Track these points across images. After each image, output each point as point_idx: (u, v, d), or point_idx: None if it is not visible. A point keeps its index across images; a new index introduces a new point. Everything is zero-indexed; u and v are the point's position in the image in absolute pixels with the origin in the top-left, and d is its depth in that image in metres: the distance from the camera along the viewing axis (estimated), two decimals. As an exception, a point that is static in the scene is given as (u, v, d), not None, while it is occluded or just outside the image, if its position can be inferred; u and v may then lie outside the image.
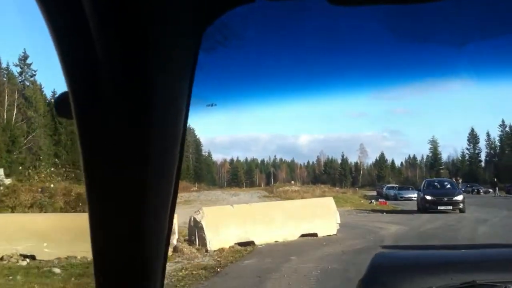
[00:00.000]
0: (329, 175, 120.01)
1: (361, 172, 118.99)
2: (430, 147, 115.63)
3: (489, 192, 52.83)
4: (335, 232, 14.87)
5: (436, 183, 26.35)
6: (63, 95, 0.82)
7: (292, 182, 77.39)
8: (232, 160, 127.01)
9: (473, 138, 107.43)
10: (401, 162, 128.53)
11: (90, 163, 0.85)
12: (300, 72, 1.31)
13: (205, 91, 1.03)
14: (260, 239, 13.11)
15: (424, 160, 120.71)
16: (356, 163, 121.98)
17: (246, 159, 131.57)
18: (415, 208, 26.60)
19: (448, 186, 25.46)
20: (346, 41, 1.14)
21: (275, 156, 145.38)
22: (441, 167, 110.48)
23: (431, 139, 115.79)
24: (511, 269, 1.71)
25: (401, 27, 1.02)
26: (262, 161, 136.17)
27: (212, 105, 1.13)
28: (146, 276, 0.95)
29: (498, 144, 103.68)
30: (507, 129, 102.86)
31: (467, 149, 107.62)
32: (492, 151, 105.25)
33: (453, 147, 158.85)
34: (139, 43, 0.76)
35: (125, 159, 0.84)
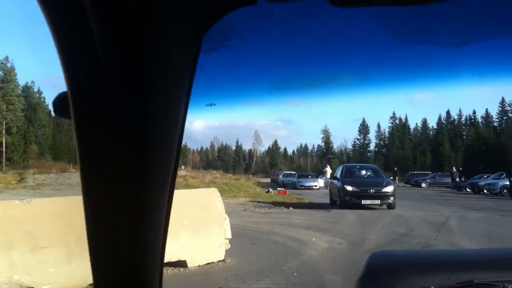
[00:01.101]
0: (223, 161, 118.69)
1: (255, 159, 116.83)
2: (323, 137, 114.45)
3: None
4: (221, 257, 7.76)
5: (357, 170, 19.99)
6: (62, 95, 0.81)
7: (183, 167, 72.50)
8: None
9: (364, 129, 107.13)
10: (293, 151, 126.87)
11: (88, 164, 0.83)
12: (300, 72, 1.24)
13: (205, 91, 1.02)
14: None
15: (315, 149, 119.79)
16: (250, 150, 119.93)
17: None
18: (326, 201, 20.49)
19: (373, 174, 19.39)
20: (347, 43, 1.11)
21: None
22: (331, 156, 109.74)
23: (324, 129, 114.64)
24: (509, 268, 1.64)
25: (401, 28, 1.00)
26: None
27: (211, 105, 1.11)
28: (144, 277, 0.93)
29: (388, 135, 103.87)
30: (397, 121, 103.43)
31: (357, 139, 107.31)
32: (381, 142, 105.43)
33: (343, 137, 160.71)
34: (139, 44, 0.75)
35: (123, 159, 0.82)
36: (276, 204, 19.95)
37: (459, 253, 2.41)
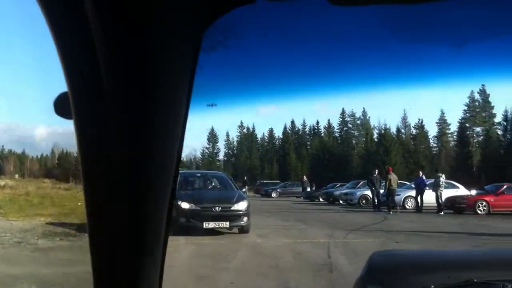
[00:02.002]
0: (64, 169, 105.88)
1: None
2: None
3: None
4: None
5: (198, 179, 14.14)
6: (63, 95, 0.80)
7: (16, 175, 62.15)
8: None
9: (212, 138, 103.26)
10: (183, 158, 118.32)
11: (89, 163, 0.83)
12: (300, 72, 1.24)
13: (205, 91, 1.00)
14: None
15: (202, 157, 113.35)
16: None
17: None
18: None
19: (220, 185, 13.75)
20: (346, 41, 1.10)
21: (2, 146, 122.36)
22: (180, 165, 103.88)
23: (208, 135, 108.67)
24: (508, 267, 1.67)
25: (401, 27, 0.99)
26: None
27: (212, 105, 1.10)
28: (144, 276, 0.91)
29: (236, 144, 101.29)
30: (244, 130, 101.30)
31: (206, 148, 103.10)
32: (230, 151, 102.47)
33: (192, 146, 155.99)
34: (140, 44, 0.75)
35: (124, 159, 0.82)
36: (82, 227, 13.50)
37: (458, 253, 2.38)
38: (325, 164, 71.76)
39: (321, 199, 31.44)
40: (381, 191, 22.87)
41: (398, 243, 10.52)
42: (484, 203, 20.62)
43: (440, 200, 21.06)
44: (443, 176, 21.59)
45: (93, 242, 0.87)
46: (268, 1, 0.76)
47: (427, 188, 22.11)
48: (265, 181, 54.41)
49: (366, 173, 23.59)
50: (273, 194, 41.11)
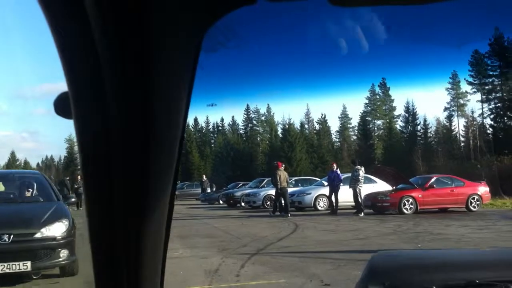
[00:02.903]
0: None
1: None
2: (67, 146, 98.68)
3: None
4: None
5: None
6: (63, 95, 0.80)
7: None
8: None
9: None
10: (38, 163, 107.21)
11: (89, 163, 0.82)
12: (300, 72, 1.22)
13: (206, 91, 0.96)
14: None
15: (62, 160, 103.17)
16: None
17: None
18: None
19: (22, 192, 7.44)
20: (347, 41, 1.08)
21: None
22: (77, 167, 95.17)
23: (68, 138, 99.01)
24: (511, 268, 1.63)
25: (401, 28, 1.02)
26: None
27: (212, 105, 0.82)
28: (145, 276, 0.91)
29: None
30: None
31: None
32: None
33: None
34: (140, 44, 0.73)
35: (124, 159, 0.81)
36: None
37: (460, 254, 2.35)
38: (230, 162, 67.33)
39: (221, 202, 26.69)
40: (289, 189, 18.51)
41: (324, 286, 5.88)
42: (411, 200, 16.88)
43: (359, 199, 16.99)
44: (362, 169, 17.49)
45: (93, 242, 0.86)
46: (269, 2, 0.74)
47: (342, 184, 18.10)
48: None
49: (271, 170, 18.84)
50: (169, 197, 35.84)
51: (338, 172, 18.30)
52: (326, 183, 20.45)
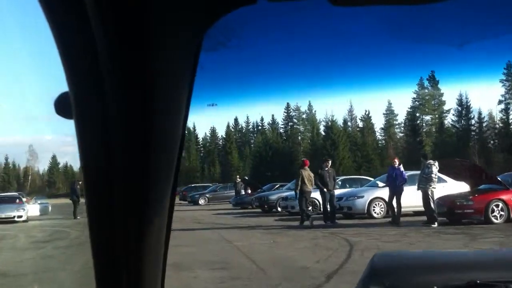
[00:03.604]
0: None
1: (30, 178, 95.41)
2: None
3: None
4: None
5: None
6: (63, 95, 0.79)
7: None
8: None
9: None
10: (79, 167, 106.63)
11: (90, 163, 0.82)
12: (300, 72, 1.10)
13: (206, 91, 0.99)
14: None
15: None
16: (25, 168, 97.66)
17: None
18: None
19: None
20: (347, 42, 1.08)
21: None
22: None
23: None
24: (511, 268, 1.60)
25: (401, 28, 0.98)
26: None
27: (213, 105, 1.10)
28: (146, 276, 0.90)
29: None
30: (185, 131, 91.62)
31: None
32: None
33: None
34: (140, 44, 0.73)
35: (124, 160, 0.80)
36: None
37: (461, 254, 2.32)
38: (268, 162, 63.25)
39: (255, 206, 22.59)
40: (336, 192, 14.22)
41: None
42: (501, 205, 12.28)
43: (432, 204, 12.48)
44: (436, 164, 12.87)
45: (94, 242, 0.85)
46: (269, 1, 0.74)
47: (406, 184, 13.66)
48: (193, 185, 44.06)
49: (313, 169, 14.44)
50: (201, 201, 31.79)
51: (402, 169, 13.79)
52: (381, 184, 16.00)
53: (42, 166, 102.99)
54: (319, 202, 16.85)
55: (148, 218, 0.85)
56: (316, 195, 16.04)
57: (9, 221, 19.01)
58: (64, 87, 0.78)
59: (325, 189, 13.70)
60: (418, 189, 12.86)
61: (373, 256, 1.71)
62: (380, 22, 0.91)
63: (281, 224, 14.57)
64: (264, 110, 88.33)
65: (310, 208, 16.50)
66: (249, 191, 27.20)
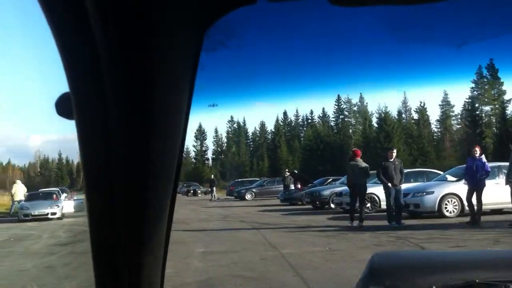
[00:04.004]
0: (44, 176, 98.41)
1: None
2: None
3: (209, 192, 36.93)
4: None
5: None
6: (64, 96, 0.79)
7: None
8: None
9: (200, 134, 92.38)
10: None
11: (90, 164, 0.81)
12: (300, 72, 1.10)
13: (206, 91, 0.97)
14: None
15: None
16: (78, 163, 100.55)
17: None
18: None
19: None
20: (347, 42, 1.07)
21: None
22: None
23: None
24: (510, 268, 1.55)
25: (401, 28, 0.97)
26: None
27: (213, 105, 1.07)
28: (146, 276, 0.89)
29: (225, 140, 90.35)
30: (235, 125, 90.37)
31: (194, 145, 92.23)
32: (219, 148, 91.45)
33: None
34: (141, 44, 0.73)
35: (125, 160, 0.80)
36: None
37: (460, 254, 2.24)
38: (319, 156, 60.73)
39: (305, 202, 20.47)
40: (402, 186, 11.87)
41: None
42: None
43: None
44: (532, 153, 10.37)
45: (94, 242, 0.84)
46: (269, 1, 0.74)
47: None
48: (240, 180, 42.16)
49: (367, 162, 12.12)
50: (247, 196, 30.01)
51: (484, 159, 11.28)
52: (452, 178, 13.54)
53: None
54: (378, 198, 14.57)
55: (148, 217, 0.83)
56: (376, 190, 13.75)
57: (42, 218, 17.80)
58: (64, 87, 0.77)
59: (389, 184, 11.38)
60: (506, 183, 10.37)
61: (372, 256, 1.66)
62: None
63: (337, 224, 12.37)
64: (314, 104, 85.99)
65: (368, 205, 14.23)
66: (299, 186, 25.07)
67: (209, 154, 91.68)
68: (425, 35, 0.99)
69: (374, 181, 13.33)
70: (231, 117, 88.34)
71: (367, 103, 70.85)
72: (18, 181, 20.50)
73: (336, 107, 78.14)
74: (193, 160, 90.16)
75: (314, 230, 11.19)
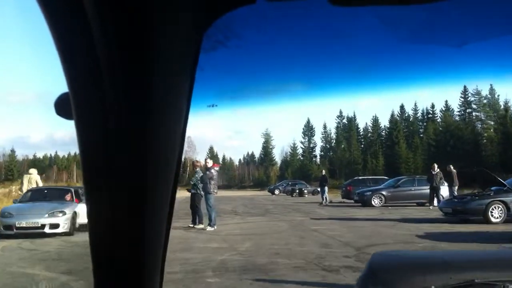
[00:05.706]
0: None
1: (188, 169, 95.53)
2: (264, 141, 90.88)
3: (318, 192, 28.18)
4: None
5: None
6: (63, 96, 0.77)
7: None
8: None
9: (308, 131, 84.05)
10: (239, 159, 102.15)
11: (90, 164, 0.79)
12: (300, 72, 1.15)
13: (206, 91, 0.97)
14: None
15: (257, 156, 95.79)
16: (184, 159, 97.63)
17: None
18: None
19: None
20: (347, 42, 1.05)
21: None
22: (272, 162, 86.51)
23: (265, 132, 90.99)
24: (510, 268, 1.54)
25: (401, 28, 0.96)
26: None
27: (213, 106, 1.03)
28: (144, 278, 0.87)
29: (334, 136, 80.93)
30: (344, 120, 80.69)
31: (301, 142, 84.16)
32: (327, 144, 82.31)
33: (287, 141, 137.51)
34: (140, 44, 0.71)
35: (124, 160, 0.78)
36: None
37: (460, 254, 2.17)
38: (449, 153, 49.17)
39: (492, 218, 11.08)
40: None
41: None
42: None
43: None
44: None
45: (93, 242, 0.83)
46: (268, 1, 0.73)
47: None
48: (361, 177, 30.55)
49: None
50: (375, 201, 20.58)
51: None
52: None
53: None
54: None
55: (147, 218, 0.82)
56: None
57: (34, 233, 10.46)
58: (64, 87, 0.76)
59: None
60: None
61: (372, 256, 1.65)
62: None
63: None
64: (435, 96, 73.61)
65: None
66: (457, 187, 15.60)
67: (317, 151, 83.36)
68: (425, 35, 0.96)
69: None
70: (340, 111, 78.83)
71: (498, 95, 57.76)
72: (33, 170, 13.46)
73: (463, 99, 65.32)
74: (300, 157, 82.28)
75: None
